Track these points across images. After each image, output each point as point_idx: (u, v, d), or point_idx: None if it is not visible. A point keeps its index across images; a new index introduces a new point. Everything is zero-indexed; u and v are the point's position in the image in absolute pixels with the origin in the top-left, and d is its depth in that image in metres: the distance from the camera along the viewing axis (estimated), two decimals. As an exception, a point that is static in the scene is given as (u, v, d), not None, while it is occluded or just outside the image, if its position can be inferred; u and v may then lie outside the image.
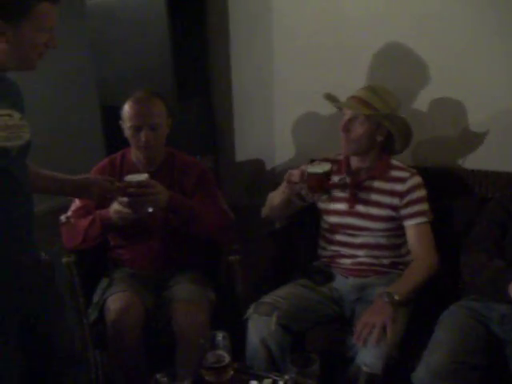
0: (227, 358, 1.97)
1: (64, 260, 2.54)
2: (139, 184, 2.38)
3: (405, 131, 2.52)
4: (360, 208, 2.57)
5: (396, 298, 2.30)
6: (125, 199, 2.40)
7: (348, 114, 2.52)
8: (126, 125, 2.58)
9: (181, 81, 3.18)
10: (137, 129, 2.55)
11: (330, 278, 2.62)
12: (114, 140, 2.70)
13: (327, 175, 2.35)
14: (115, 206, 2.47)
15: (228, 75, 3.41)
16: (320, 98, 2.59)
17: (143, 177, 2.40)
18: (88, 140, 4.43)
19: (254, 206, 3.26)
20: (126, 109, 2.57)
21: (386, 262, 2.58)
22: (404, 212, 2.52)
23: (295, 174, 2.41)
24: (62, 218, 2.65)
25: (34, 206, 2.06)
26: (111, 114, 2.79)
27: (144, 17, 3.16)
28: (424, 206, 2.52)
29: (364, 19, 2.90)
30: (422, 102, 2.89)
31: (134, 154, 2.68)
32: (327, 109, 2.83)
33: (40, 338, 2.11)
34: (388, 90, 2.54)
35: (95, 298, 2.64)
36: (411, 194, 2.51)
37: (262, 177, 3.44)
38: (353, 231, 2.59)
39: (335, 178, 2.58)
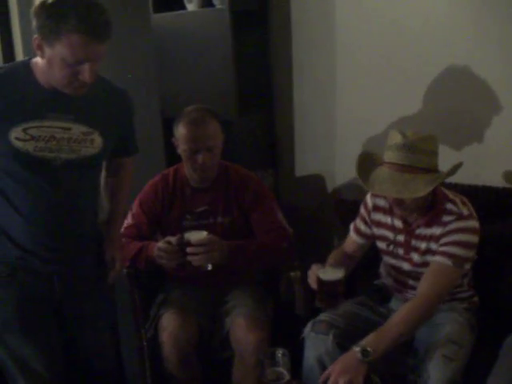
0: (286, 376, 1.95)
1: (125, 271, 2.54)
2: (199, 243, 2.34)
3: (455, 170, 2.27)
4: (414, 256, 2.38)
5: (370, 357, 2.06)
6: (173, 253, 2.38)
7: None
8: (182, 146, 2.53)
9: (242, 95, 3.18)
10: (193, 152, 2.51)
11: (389, 297, 2.56)
12: (174, 152, 2.69)
13: (339, 284, 2.21)
14: (159, 253, 2.42)
15: (290, 90, 3.39)
16: (381, 115, 2.53)
17: (202, 235, 2.36)
18: (149, 152, 4.50)
19: (313, 221, 3.23)
20: (182, 131, 2.51)
21: None
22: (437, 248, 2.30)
23: (311, 281, 2.29)
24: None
25: (91, 215, 2.15)
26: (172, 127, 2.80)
27: (208, 32, 3.19)
28: (457, 250, 2.22)
29: (428, 36, 2.84)
30: (485, 122, 2.77)
31: (188, 171, 2.63)
32: (389, 125, 2.79)
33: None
34: (422, 136, 2.20)
35: (152, 314, 2.63)
36: (449, 236, 2.25)
37: (321, 192, 3.40)
38: (405, 277, 2.46)
39: (388, 219, 2.42)
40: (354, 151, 3.22)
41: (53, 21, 1.74)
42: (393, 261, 2.46)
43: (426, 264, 2.33)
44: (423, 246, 2.34)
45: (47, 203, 1.99)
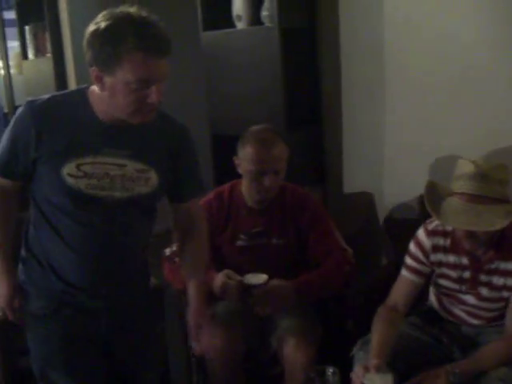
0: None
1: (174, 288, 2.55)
2: (263, 292, 2.33)
3: None
4: (483, 291, 2.30)
5: (457, 381, 2.10)
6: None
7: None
8: (247, 167, 2.46)
9: (291, 109, 3.18)
10: (260, 173, 2.46)
11: (440, 319, 2.51)
12: (222, 169, 2.68)
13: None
14: (219, 289, 2.41)
15: (338, 107, 3.39)
16: (432, 135, 2.47)
17: (262, 278, 2.33)
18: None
19: (360, 239, 3.20)
20: (250, 151, 2.44)
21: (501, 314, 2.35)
22: None
23: None
24: (167, 251, 2.57)
25: (141, 252, 2.11)
26: (220, 143, 2.83)
27: (257, 49, 3.21)
28: None
29: (481, 50, 2.79)
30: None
31: (247, 190, 2.59)
32: (441, 144, 2.75)
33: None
34: (494, 165, 2.14)
35: None
36: None
37: (369, 210, 3.37)
38: (467, 307, 2.39)
39: (450, 258, 2.33)
40: (402, 169, 3.21)
41: (110, 45, 1.69)
42: (455, 294, 2.40)
43: (497, 299, 2.28)
44: (498, 281, 2.26)
45: (99, 240, 1.94)
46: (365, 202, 3.36)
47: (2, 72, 7.09)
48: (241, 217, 2.60)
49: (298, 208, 2.60)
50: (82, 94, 1.89)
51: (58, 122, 1.85)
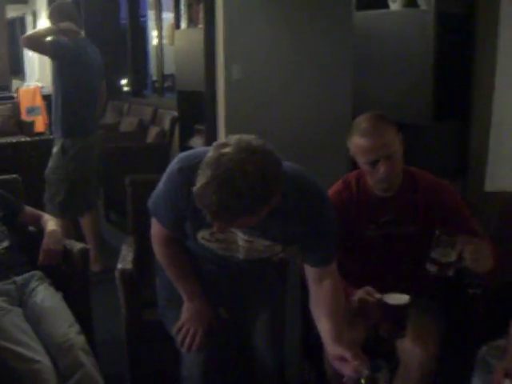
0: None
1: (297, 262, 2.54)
2: (402, 309, 2.17)
3: None
4: None
5: None
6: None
7: None
8: (360, 159, 2.39)
9: (439, 100, 3.07)
10: (372, 163, 2.37)
11: None
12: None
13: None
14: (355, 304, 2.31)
15: (489, 98, 3.21)
16: None
17: (404, 299, 2.17)
18: (334, 149, 4.53)
19: (498, 240, 3.03)
20: (356, 143, 2.37)
21: None
22: None
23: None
24: None
25: None
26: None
27: (409, 32, 3.13)
28: None
29: None
30: None
31: (372, 182, 2.48)
32: None
33: None
34: None
35: None
36: None
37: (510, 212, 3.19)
38: None
39: None
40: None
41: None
42: None
43: None
44: None
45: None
46: (506, 202, 3.18)
47: (156, 41, 7.39)
48: (370, 206, 2.53)
49: (431, 195, 2.48)
50: None
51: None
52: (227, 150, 1.71)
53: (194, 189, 1.70)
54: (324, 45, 4.38)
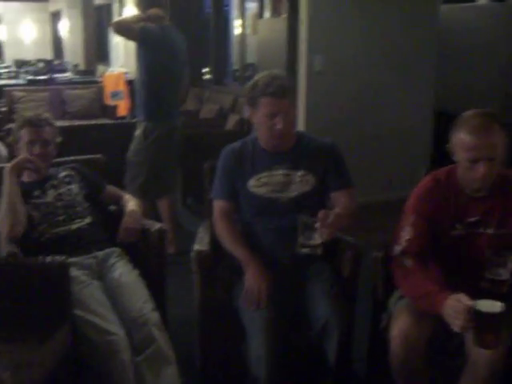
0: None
1: (374, 254, 2.53)
2: (495, 317, 2.07)
3: None
4: None
5: None
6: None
7: None
8: (461, 155, 2.33)
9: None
10: (474, 161, 2.30)
11: None
12: (442, 148, 2.58)
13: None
14: (448, 311, 2.18)
15: None
16: None
17: (497, 306, 2.06)
18: (414, 143, 4.47)
19: None
20: (463, 138, 2.31)
21: None
22: None
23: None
24: (397, 249, 2.42)
25: None
26: (443, 121, 2.72)
27: (496, 27, 3.05)
28: None
29: None
30: None
31: (462, 178, 2.41)
32: None
33: None
34: None
35: (389, 305, 2.54)
36: None
37: None
38: None
39: None
40: None
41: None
42: None
43: None
44: None
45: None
46: None
47: (238, 31, 7.45)
48: (459, 205, 2.46)
49: None
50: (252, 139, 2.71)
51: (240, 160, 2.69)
52: None
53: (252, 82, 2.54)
54: (408, 37, 4.31)
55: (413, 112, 4.38)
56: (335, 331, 2.39)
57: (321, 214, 2.36)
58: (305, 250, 2.36)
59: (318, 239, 2.34)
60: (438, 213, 2.43)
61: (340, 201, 2.65)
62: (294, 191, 2.59)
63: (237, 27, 7.61)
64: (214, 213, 2.69)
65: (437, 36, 3.41)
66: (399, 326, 2.33)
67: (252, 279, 2.47)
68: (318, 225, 2.34)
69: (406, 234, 2.41)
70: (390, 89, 4.80)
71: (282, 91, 2.50)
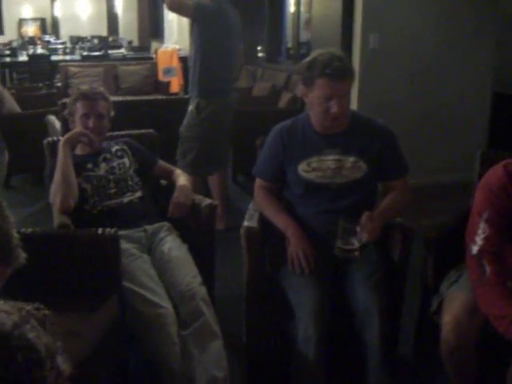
0: None
1: (425, 236, 2.48)
2: None
3: None
4: None
5: None
6: None
7: None
8: None
9: None
10: None
11: None
12: (500, 129, 2.50)
13: None
14: None
15: None
16: None
17: None
18: (471, 125, 4.36)
19: None
20: None
21: None
22: None
23: None
24: (474, 248, 2.19)
25: None
26: (502, 102, 2.64)
27: None
28: None
29: None
30: None
31: None
32: None
33: None
34: None
35: (441, 289, 2.45)
36: None
37: None
38: None
39: None
40: None
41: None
42: None
43: None
44: None
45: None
46: None
47: (293, 9, 7.39)
48: None
49: None
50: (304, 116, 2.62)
51: (292, 139, 2.58)
52: None
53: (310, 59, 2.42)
54: (468, 18, 4.20)
55: (470, 93, 4.27)
56: (375, 321, 2.31)
57: (363, 219, 2.35)
58: (342, 255, 2.36)
59: (356, 243, 2.33)
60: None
61: (394, 189, 2.61)
62: (345, 178, 2.51)
63: (291, 5, 7.54)
64: (255, 187, 2.69)
65: (498, 17, 3.30)
66: (452, 312, 2.24)
67: (294, 243, 2.46)
68: (358, 228, 2.33)
69: (481, 232, 2.18)
70: (447, 69, 4.69)
71: (342, 73, 2.38)
